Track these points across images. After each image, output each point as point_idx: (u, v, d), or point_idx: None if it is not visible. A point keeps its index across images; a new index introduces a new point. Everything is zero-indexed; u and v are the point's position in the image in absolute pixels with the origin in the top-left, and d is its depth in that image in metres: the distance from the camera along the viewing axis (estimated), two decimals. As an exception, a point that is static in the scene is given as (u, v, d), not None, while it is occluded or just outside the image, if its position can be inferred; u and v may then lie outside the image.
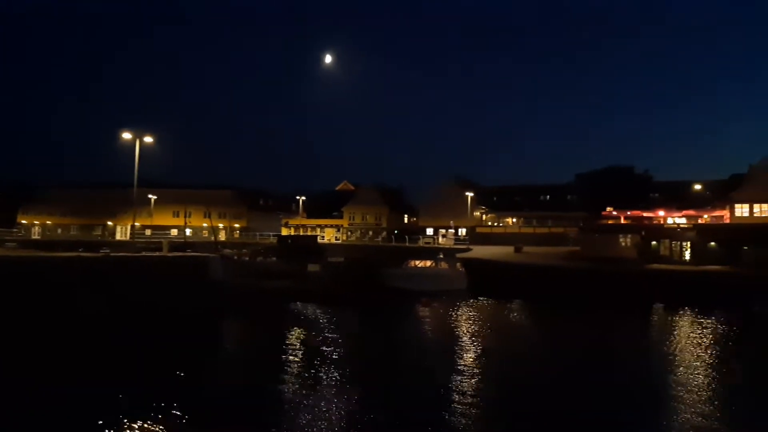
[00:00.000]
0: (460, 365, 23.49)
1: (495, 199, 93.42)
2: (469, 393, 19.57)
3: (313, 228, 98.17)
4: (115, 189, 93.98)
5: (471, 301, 42.82)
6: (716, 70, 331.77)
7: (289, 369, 22.85)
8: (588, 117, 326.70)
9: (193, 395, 19.40)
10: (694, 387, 20.41)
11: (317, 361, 24.09)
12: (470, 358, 25.35)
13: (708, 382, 21.22)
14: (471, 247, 69.74)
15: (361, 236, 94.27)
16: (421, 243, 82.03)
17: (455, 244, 76.57)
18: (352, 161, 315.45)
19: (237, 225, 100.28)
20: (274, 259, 53.07)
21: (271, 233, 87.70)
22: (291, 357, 25.13)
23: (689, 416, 17.29)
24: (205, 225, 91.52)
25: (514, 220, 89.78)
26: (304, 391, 19.69)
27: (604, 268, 46.12)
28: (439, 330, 32.93)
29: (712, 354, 26.03)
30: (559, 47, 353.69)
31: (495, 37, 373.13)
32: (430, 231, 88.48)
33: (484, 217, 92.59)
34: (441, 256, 55.60)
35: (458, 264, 52.85)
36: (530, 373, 23.05)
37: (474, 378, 21.69)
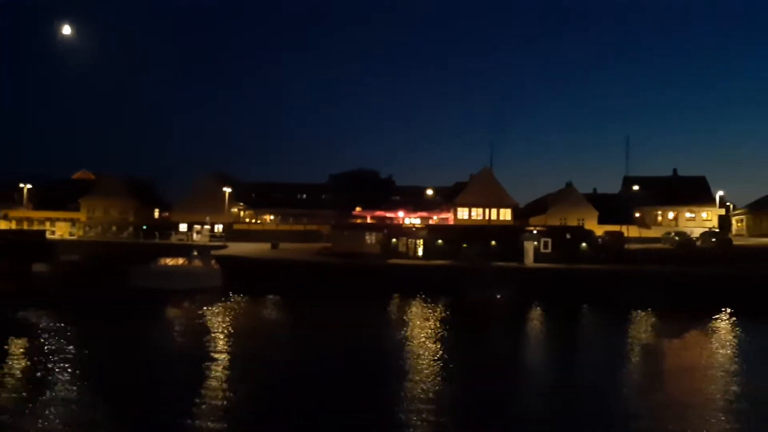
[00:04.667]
0: (205, 368, 23.25)
1: (253, 195, 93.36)
2: (210, 393, 19.86)
3: (42, 222, 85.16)
4: None
5: (226, 298, 42.36)
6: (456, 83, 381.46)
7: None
8: (342, 120, 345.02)
9: None
10: (418, 356, 25.18)
11: (34, 378, 21.28)
12: (215, 358, 25.07)
13: (430, 351, 26.32)
14: (227, 244, 68.84)
15: (103, 232, 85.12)
16: (173, 239, 77.71)
17: (211, 240, 74.44)
18: (94, 149, 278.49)
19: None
20: (-12, 258, 44.92)
21: (-17, 227, 73.72)
22: None
23: (417, 377, 21.16)
24: None
25: (272, 217, 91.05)
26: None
27: (351, 263, 50.33)
28: (187, 332, 31.69)
29: (432, 330, 31.98)
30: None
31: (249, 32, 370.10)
32: (183, 227, 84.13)
33: (242, 213, 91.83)
34: (195, 253, 53.56)
35: (213, 261, 51.78)
36: (274, 369, 24.02)
37: (216, 378, 22.03)
